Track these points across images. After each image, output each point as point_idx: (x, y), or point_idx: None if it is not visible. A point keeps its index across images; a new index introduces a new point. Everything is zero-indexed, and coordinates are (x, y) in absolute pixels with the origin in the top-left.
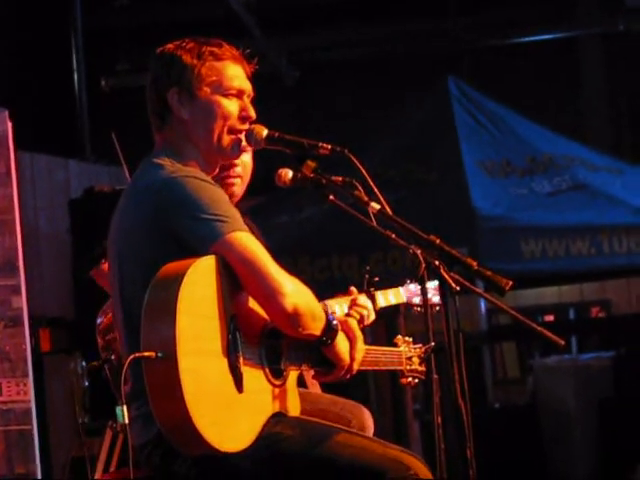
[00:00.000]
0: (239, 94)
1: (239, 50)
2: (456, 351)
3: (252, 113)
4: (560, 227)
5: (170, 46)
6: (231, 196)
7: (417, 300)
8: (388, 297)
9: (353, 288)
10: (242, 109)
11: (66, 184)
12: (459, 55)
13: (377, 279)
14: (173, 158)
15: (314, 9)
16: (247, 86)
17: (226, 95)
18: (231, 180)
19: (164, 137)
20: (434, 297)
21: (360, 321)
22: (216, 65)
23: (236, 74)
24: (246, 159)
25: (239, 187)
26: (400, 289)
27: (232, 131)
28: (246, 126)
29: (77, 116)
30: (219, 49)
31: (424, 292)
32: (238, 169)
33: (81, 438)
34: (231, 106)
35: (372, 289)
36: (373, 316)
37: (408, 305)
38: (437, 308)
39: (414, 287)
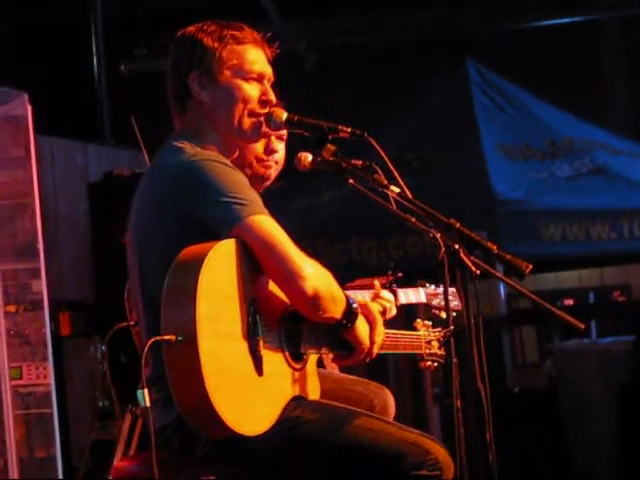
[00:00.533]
0: (260, 78)
1: (260, 34)
2: (476, 335)
3: (272, 97)
4: (580, 211)
5: (191, 29)
6: (266, 179)
7: (436, 302)
8: (409, 295)
9: (377, 282)
10: (262, 93)
11: (85, 168)
12: (479, 40)
13: (400, 275)
14: (193, 141)
15: None
16: (268, 70)
17: (247, 79)
18: (269, 164)
19: (184, 121)
20: (454, 301)
21: (382, 313)
22: (237, 49)
23: (257, 58)
24: (282, 147)
25: (274, 172)
26: (421, 289)
27: (252, 114)
28: (266, 110)
29: (96, 100)
30: (240, 32)
31: (444, 278)
32: (277, 155)
33: (101, 421)
34: (252, 90)
35: (394, 285)
36: (394, 311)
37: (427, 306)
38: (457, 309)
39: (434, 289)
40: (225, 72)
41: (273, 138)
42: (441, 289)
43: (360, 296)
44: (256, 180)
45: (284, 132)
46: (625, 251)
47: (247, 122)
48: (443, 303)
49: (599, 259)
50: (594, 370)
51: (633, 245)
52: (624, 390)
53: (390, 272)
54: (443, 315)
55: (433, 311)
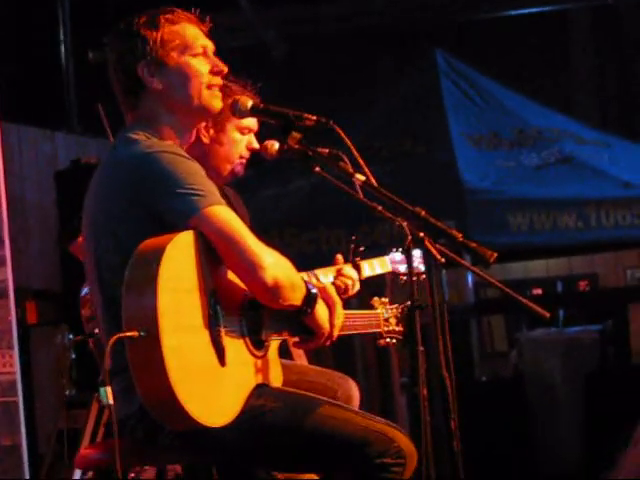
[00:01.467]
0: (204, 52)
1: (190, 12)
2: (441, 323)
3: (223, 67)
4: (548, 200)
5: (123, 24)
6: (237, 175)
7: (403, 269)
8: (374, 266)
9: (339, 256)
10: (213, 65)
11: (53, 156)
12: (447, 28)
13: (362, 249)
14: (148, 131)
15: None
16: (209, 43)
17: (194, 55)
18: (243, 161)
19: (138, 114)
20: (419, 265)
21: (345, 291)
22: (175, 28)
23: (195, 34)
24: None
25: (243, 167)
26: (386, 258)
27: (209, 87)
28: (219, 80)
29: (64, 88)
30: (172, 14)
31: (409, 263)
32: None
33: (67, 410)
34: (201, 64)
35: (358, 259)
36: (357, 286)
37: (393, 274)
38: (423, 277)
39: (399, 256)
40: (171, 54)
41: (252, 137)
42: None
43: (322, 275)
44: (228, 176)
45: (254, 123)
46: (592, 240)
47: (206, 95)
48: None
49: (566, 248)
50: (561, 359)
51: (600, 234)
52: (590, 379)
53: (353, 245)
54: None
55: (400, 277)
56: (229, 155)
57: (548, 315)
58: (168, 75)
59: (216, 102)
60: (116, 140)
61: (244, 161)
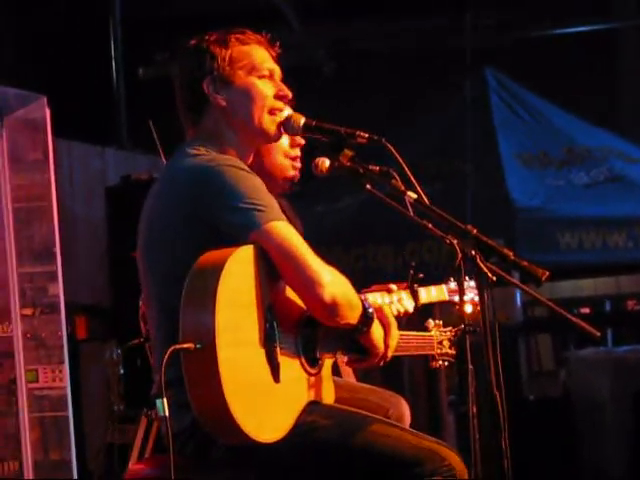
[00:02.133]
0: (271, 75)
1: (261, 34)
2: (492, 342)
3: (288, 92)
4: (597, 219)
5: (194, 41)
6: (293, 179)
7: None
8: (430, 293)
9: (393, 286)
10: (278, 89)
11: (102, 172)
12: (497, 48)
13: (421, 275)
14: (209, 146)
15: (352, 1)
16: (276, 68)
17: (260, 77)
18: (298, 163)
19: (199, 129)
20: (474, 296)
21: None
22: (244, 49)
23: (264, 56)
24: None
25: (296, 170)
26: (443, 286)
27: (272, 111)
28: (283, 105)
29: (114, 105)
30: (243, 35)
31: (460, 282)
32: (298, 162)
33: (116, 425)
34: (266, 87)
35: (415, 285)
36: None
37: (449, 303)
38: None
39: (455, 285)
40: (238, 72)
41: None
42: (465, 284)
43: (379, 299)
44: (283, 184)
45: (302, 140)
46: None
47: (267, 119)
48: (465, 298)
49: (615, 267)
50: (609, 379)
51: None
52: (639, 399)
53: (412, 272)
54: (467, 309)
55: (456, 307)
56: (274, 162)
57: (599, 334)
58: (233, 93)
59: (276, 128)
60: (175, 154)
61: (296, 163)
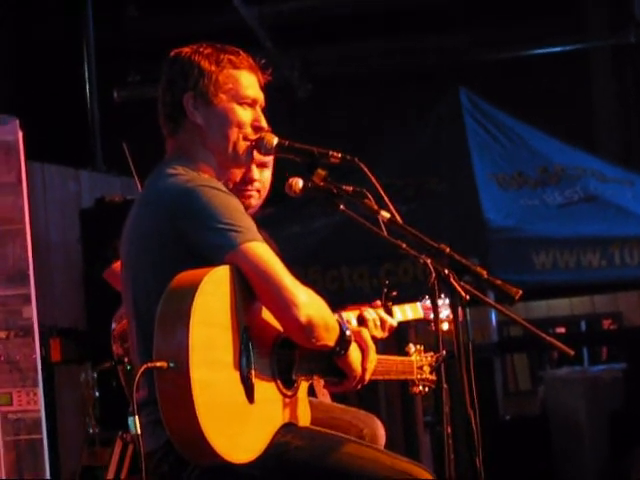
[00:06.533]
0: (253, 103)
1: (255, 60)
2: (466, 361)
3: (264, 123)
4: (571, 239)
5: (187, 50)
6: (247, 208)
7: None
8: (405, 312)
9: (378, 302)
10: (255, 119)
11: (77, 194)
12: (471, 69)
13: (395, 294)
14: (186, 166)
15: (326, 23)
16: (260, 96)
17: (241, 103)
18: (249, 193)
19: (177, 143)
20: (449, 313)
21: (374, 337)
22: (233, 73)
23: (251, 83)
24: (266, 175)
25: (256, 200)
26: (417, 304)
27: (245, 139)
28: (258, 135)
29: (89, 127)
30: (237, 57)
31: (434, 301)
32: (257, 184)
33: (91, 448)
34: (245, 115)
35: (390, 303)
36: (385, 334)
37: (424, 321)
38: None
39: (430, 303)
40: (221, 96)
41: (253, 167)
42: (439, 302)
43: (354, 321)
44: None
45: (267, 159)
46: (616, 279)
47: (241, 146)
48: (441, 316)
49: (590, 287)
50: (585, 398)
51: (624, 273)
52: (615, 418)
53: (385, 289)
54: (443, 326)
55: (430, 325)
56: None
57: (573, 353)
58: (211, 114)
59: (248, 156)
60: (154, 173)
61: (248, 193)
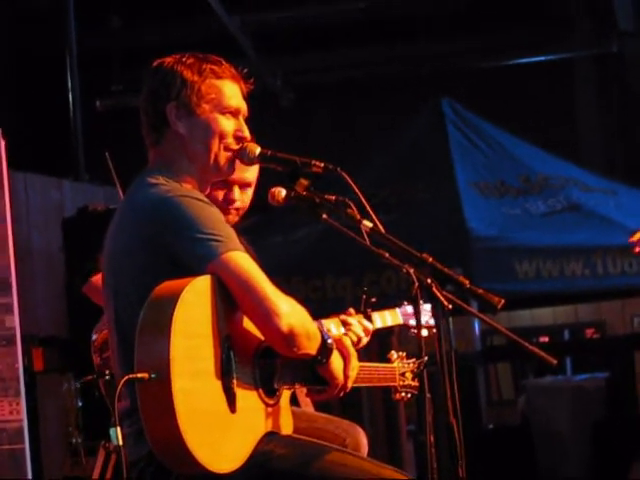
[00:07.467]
0: (235, 113)
1: (237, 69)
2: (449, 370)
3: (247, 133)
4: (554, 248)
5: (169, 60)
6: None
7: (413, 322)
8: (385, 318)
9: (351, 309)
10: (237, 129)
11: (60, 204)
12: (454, 77)
13: (374, 300)
14: (167, 175)
15: (308, 31)
16: (243, 106)
17: (224, 113)
18: (228, 211)
19: (159, 152)
20: (429, 319)
21: (357, 343)
22: (216, 83)
23: (234, 93)
24: (248, 194)
25: (233, 217)
26: (397, 310)
27: (227, 149)
28: (240, 145)
29: (71, 136)
30: (219, 67)
31: (417, 311)
32: (237, 203)
33: (74, 458)
34: (228, 125)
35: (369, 310)
36: (366, 340)
37: (404, 327)
38: (434, 331)
39: (411, 309)
40: (203, 106)
41: (235, 187)
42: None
43: (333, 325)
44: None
45: (251, 179)
46: (599, 288)
47: (223, 157)
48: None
49: (573, 296)
50: (568, 407)
51: (607, 282)
52: (597, 427)
53: (364, 296)
54: (423, 333)
55: (411, 331)
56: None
57: (555, 362)
58: (193, 124)
59: (229, 166)
60: (135, 183)
61: (231, 210)
